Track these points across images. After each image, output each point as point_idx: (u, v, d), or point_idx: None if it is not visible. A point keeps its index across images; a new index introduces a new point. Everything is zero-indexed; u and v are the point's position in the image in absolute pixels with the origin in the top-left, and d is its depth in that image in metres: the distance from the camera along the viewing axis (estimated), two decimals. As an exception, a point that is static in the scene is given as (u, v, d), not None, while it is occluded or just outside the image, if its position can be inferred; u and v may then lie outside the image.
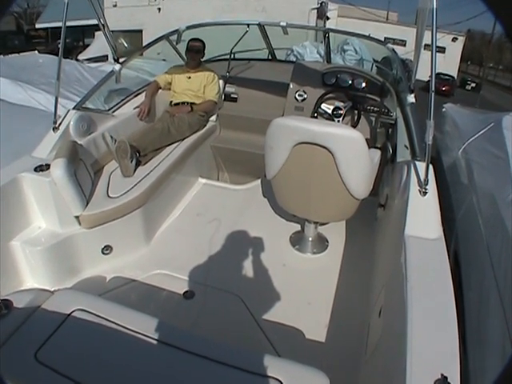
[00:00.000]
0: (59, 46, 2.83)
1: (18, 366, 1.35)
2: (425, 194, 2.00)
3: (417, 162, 2.16)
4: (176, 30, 3.98)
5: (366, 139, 2.31)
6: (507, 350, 1.90)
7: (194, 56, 3.87)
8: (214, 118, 4.11)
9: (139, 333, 1.46)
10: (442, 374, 1.19)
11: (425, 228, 1.88)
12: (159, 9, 17.92)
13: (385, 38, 23.93)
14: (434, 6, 1.85)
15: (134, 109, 3.49)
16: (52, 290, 1.77)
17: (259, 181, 3.67)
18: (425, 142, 2.00)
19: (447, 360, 1.26)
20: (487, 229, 2.74)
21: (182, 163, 3.39)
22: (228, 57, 4.38)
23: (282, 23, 3.96)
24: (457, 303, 1.48)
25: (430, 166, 2.04)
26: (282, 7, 15.28)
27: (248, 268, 2.72)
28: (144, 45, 4.39)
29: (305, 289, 2.59)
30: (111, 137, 2.95)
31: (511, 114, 4.53)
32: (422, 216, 1.93)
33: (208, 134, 3.97)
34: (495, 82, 40.48)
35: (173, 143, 3.46)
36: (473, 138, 4.29)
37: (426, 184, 2.01)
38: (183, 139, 3.57)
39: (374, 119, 3.61)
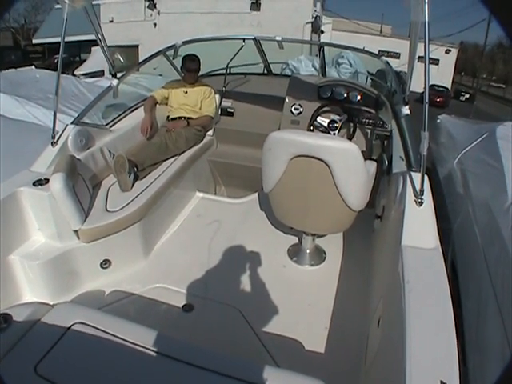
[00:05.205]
0: (56, 61, 2.86)
1: (18, 379, 1.34)
2: (421, 204, 2.01)
3: (412, 173, 2.17)
4: (173, 46, 4.00)
5: (362, 151, 2.33)
6: (506, 357, 1.91)
7: (191, 75, 3.87)
8: (210, 132, 4.14)
9: (139, 345, 1.46)
10: (441, 381, 1.19)
11: (421, 238, 1.89)
12: (155, 24, 18.00)
13: (379, 51, 24.28)
14: (426, 20, 1.88)
15: (133, 126, 3.50)
16: (51, 303, 1.77)
17: (256, 194, 3.68)
18: (420, 153, 2.02)
19: (446, 368, 1.26)
20: (484, 238, 2.75)
21: (180, 177, 3.41)
22: (224, 71, 4.41)
23: (277, 38, 4.00)
24: (455, 312, 1.49)
25: (426, 177, 2.06)
26: (277, 22, 15.38)
27: (246, 281, 2.73)
28: (140, 60, 4.41)
29: (303, 300, 2.59)
30: (109, 151, 2.96)
31: (505, 124, 4.59)
32: (419, 226, 1.94)
33: (205, 148, 3.99)
34: (489, 92, 40.92)
35: (170, 158, 3.48)
36: (467, 148, 4.33)
37: (422, 194, 2.02)
38: (180, 154, 3.58)
39: (369, 131, 3.64)
